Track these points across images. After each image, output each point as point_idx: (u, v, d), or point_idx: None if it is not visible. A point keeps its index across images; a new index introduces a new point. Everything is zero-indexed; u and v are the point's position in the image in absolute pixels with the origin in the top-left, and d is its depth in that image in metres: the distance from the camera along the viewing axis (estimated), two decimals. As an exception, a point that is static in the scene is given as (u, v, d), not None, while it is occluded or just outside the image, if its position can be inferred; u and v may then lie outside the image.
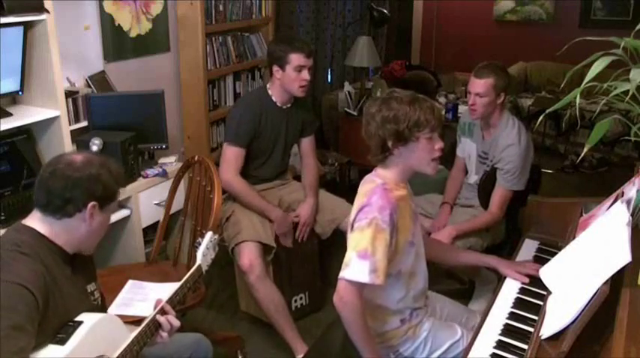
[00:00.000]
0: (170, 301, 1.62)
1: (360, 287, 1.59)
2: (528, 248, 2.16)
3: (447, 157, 2.92)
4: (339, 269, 1.62)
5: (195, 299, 2.20)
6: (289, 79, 2.57)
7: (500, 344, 1.60)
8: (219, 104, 3.84)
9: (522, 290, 1.86)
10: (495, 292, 1.89)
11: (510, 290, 1.87)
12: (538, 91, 5.67)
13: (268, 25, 4.14)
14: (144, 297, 2.17)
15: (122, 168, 1.61)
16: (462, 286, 3.01)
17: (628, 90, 1.39)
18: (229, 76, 3.88)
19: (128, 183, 2.72)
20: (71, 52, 2.83)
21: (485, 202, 2.68)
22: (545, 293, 1.73)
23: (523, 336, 1.62)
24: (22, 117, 2.41)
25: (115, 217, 2.62)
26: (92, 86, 2.92)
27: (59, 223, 1.46)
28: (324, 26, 4.79)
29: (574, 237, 1.83)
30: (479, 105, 2.54)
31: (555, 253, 1.86)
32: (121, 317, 1.59)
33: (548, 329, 1.49)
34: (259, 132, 2.64)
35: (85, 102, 2.77)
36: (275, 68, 2.58)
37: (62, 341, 1.37)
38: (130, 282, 2.28)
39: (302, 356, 2.40)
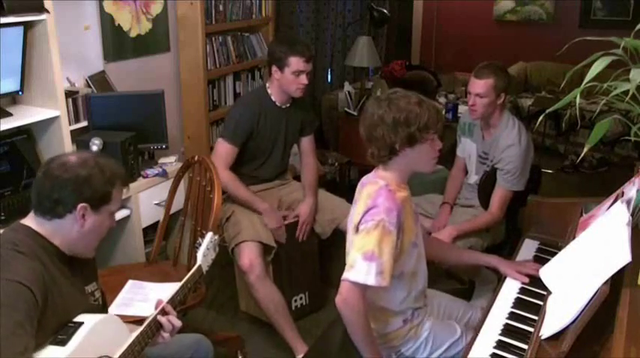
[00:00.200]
0: (171, 302, 1.62)
1: (363, 288, 1.59)
2: (528, 248, 2.16)
3: (447, 157, 2.92)
4: (339, 269, 1.62)
5: (196, 300, 2.20)
6: (287, 80, 2.56)
7: (500, 344, 1.60)
8: (219, 104, 3.84)
9: (522, 290, 1.86)
10: (495, 292, 1.89)
11: (510, 290, 1.87)
12: (538, 91, 5.67)
13: (268, 25, 4.14)
14: (144, 297, 2.17)
15: (122, 169, 1.58)
16: (462, 286, 3.00)
17: (628, 90, 1.39)
18: (229, 76, 3.88)
19: (129, 183, 2.71)
20: (71, 52, 2.83)
21: (485, 202, 2.68)
22: (545, 293, 1.73)
23: (523, 336, 1.62)
24: (22, 117, 2.41)
25: (115, 217, 2.61)
26: (92, 86, 2.92)
27: (51, 224, 1.45)
28: (324, 26, 4.79)
29: (574, 237, 1.83)
30: (479, 105, 2.54)
31: (555, 253, 1.87)
32: (121, 317, 1.59)
33: (548, 329, 1.49)
34: (258, 132, 2.64)
35: (85, 102, 2.77)
36: (274, 68, 2.58)
37: (63, 342, 1.37)
38: (130, 282, 2.28)
39: (302, 356, 2.40)
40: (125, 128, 2.74)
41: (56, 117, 2.49)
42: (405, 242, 1.67)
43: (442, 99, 4.83)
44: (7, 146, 2.46)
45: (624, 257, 1.42)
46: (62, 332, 1.40)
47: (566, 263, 1.74)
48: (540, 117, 2.09)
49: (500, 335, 1.64)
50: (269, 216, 2.60)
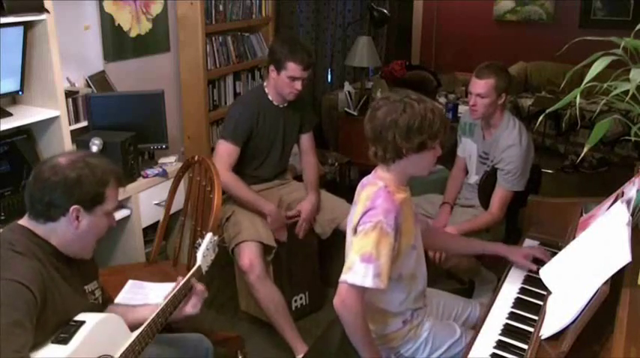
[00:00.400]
0: (170, 303, 1.62)
1: (361, 290, 1.58)
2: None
3: (447, 157, 2.92)
4: (339, 269, 1.62)
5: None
6: (282, 83, 2.56)
7: (500, 344, 1.60)
8: (219, 104, 3.84)
9: (522, 290, 1.86)
10: (495, 292, 1.89)
11: (510, 290, 1.87)
12: (538, 91, 5.68)
13: (268, 25, 4.14)
14: (144, 297, 2.17)
15: (116, 167, 1.55)
16: (462, 286, 3.01)
17: (628, 90, 1.39)
18: (229, 76, 3.88)
19: (128, 183, 2.71)
20: (71, 52, 2.83)
21: (485, 202, 2.68)
22: (545, 293, 1.73)
23: (523, 336, 1.62)
24: (22, 117, 2.41)
25: (115, 216, 2.61)
26: (92, 86, 2.92)
27: (46, 226, 1.45)
28: (324, 26, 4.79)
29: (574, 237, 1.83)
30: (480, 105, 2.54)
31: (555, 253, 1.87)
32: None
33: (548, 329, 1.49)
34: (257, 132, 2.64)
35: (85, 102, 2.77)
36: (271, 67, 2.58)
37: (65, 341, 1.37)
38: (130, 282, 2.27)
39: (302, 355, 2.40)
40: (125, 128, 2.74)
41: (56, 117, 2.49)
42: (403, 244, 1.67)
43: (442, 99, 4.83)
44: (7, 146, 2.46)
45: (624, 257, 1.43)
46: (64, 331, 1.40)
47: (566, 263, 1.74)
48: (540, 117, 2.09)
49: (500, 335, 1.64)
50: (273, 217, 2.59)
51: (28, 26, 2.38)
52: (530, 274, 1.94)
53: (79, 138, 2.64)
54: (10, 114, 2.40)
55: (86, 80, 2.94)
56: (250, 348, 2.56)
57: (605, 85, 1.50)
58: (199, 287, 1.72)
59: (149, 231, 2.91)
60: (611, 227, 1.60)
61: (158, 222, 2.74)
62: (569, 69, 1.71)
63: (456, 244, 2.19)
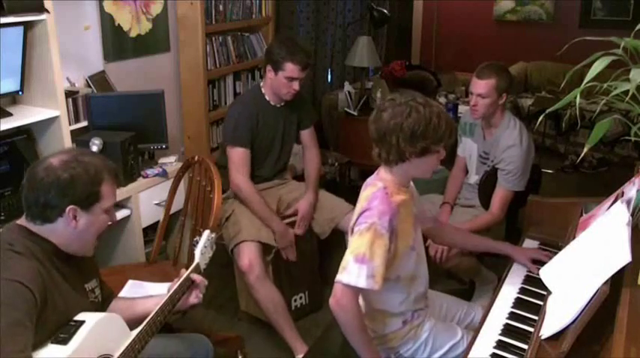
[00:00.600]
0: (170, 300, 1.62)
1: (356, 290, 1.58)
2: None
3: (447, 157, 2.91)
4: (338, 269, 1.62)
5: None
6: (279, 83, 2.56)
7: (500, 344, 1.60)
8: (219, 104, 3.84)
9: (522, 290, 1.86)
10: (495, 292, 1.89)
11: (510, 290, 1.87)
12: (538, 91, 5.68)
13: (268, 25, 4.14)
14: (144, 297, 2.17)
15: (110, 164, 1.54)
16: (462, 286, 3.01)
17: (628, 90, 1.39)
18: (229, 76, 3.89)
19: (128, 183, 2.72)
20: (71, 52, 2.83)
21: (485, 203, 2.68)
22: (545, 293, 1.73)
23: (523, 336, 1.62)
24: (22, 117, 2.41)
25: (114, 212, 2.62)
26: (92, 86, 2.92)
27: (45, 227, 1.45)
28: (324, 26, 4.79)
29: (574, 237, 1.83)
30: (481, 105, 2.54)
31: (555, 253, 1.87)
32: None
33: (548, 329, 1.49)
34: (256, 132, 2.64)
35: (85, 102, 2.77)
36: (268, 68, 2.57)
37: (65, 341, 1.37)
38: (130, 282, 2.28)
39: (302, 356, 2.40)
40: (125, 128, 2.74)
41: (56, 117, 2.49)
42: (399, 246, 1.66)
43: (442, 99, 4.83)
44: (7, 146, 2.46)
45: (624, 257, 1.43)
46: (63, 331, 1.40)
47: (566, 263, 1.74)
48: (540, 117, 2.09)
49: (501, 335, 1.64)
50: (281, 236, 2.58)
51: (28, 26, 2.38)
52: (530, 274, 1.95)
53: (79, 138, 2.64)
54: (10, 114, 2.40)
55: (86, 80, 2.94)
56: (250, 348, 2.56)
57: (605, 85, 1.50)
58: (198, 279, 1.72)
59: (149, 231, 2.91)
60: (611, 227, 1.60)
61: (158, 222, 2.74)
62: (569, 69, 1.71)
63: (464, 239, 2.19)
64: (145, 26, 3.31)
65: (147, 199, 2.84)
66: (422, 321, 1.82)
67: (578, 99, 1.47)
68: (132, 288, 2.24)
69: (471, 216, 2.69)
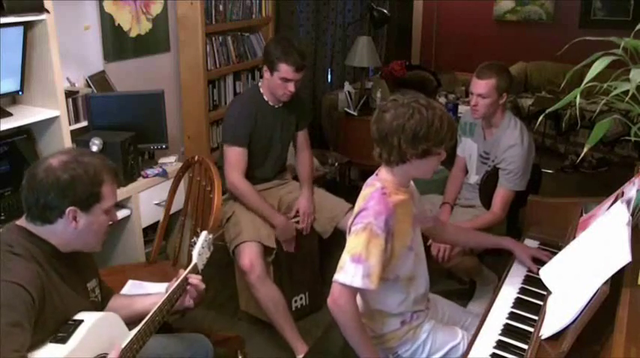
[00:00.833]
0: (168, 300, 1.62)
1: (353, 290, 1.59)
2: (528, 248, 2.16)
3: (447, 157, 2.92)
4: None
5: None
6: (275, 84, 2.55)
7: (500, 344, 1.60)
8: (219, 104, 3.84)
9: (522, 290, 1.86)
10: (495, 292, 1.89)
11: (510, 290, 1.87)
12: (538, 91, 5.68)
13: (268, 25, 4.14)
14: (143, 297, 2.17)
15: (110, 164, 1.53)
16: (462, 286, 3.01)
17: (628, 90, 1.39)
18: (229, 76, 3.88)
19: (128, 183, 2.72)
20: (71, 52, 2.83)
21: (486, 202, 2.68)
22: (545, 293, 1.73)
23: (523, 336, 1.62)
24: (22, 117, 2.41)
25: (115, 211, 2.62)
26: (92, 86, 2.92)
27: (45, 228, 1.45)
28: (324, 26, 4.79)
29: (574, 237, 1.83)
30: (481, 105, 2.54)
31: (555, 253, 1.87)
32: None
33: (548, 329, 1.49)
34: (256, 132, 2.64)
35: (85, 102, 2.77)
36: (265, 68, 2.58)
37: (63, 340, 1.38)
38: (130, 282, 2.28)
39: (302, 356, 2.41)
40: (125, 128, 2.74)
41: (56, 117, 2.49)
42: (396, 246, 1.66)
43: (442, 99, 4.83)
44: (7, 146, 2.46)
45: (624, 257, 1.43)
46: (62, 330, 1.40)
47: (566, 263, 1.74)
48: (540, 117, 2.09)
49: (500, 335, 1.64)
50: (283, 229, 2.59)
51: (28, 26, 2.38)
52: (530, 274, 1.95)
53: (79, 138, 2.64)
54: (10, 114, 2.40)
55: (86, 80, 2.94)
56: (250, 348, 2.56)
57: (605, 85, 1.50)
58: (194, 281, 1.71)
59: (149, 231, 2.91)
60: (611, 227, 1.60)
61: (158, 222, 2.74)
62: (569, 69, 1.71)
63: (466, 236, 2.19)
64: (145, 26, 3.31)
65: (147, 199, 2.84)
66: (421, 322, 1.81)
67: (578, 99, 1.47)
68: (132, 288, 2.25)
69: (471, 216, 2.69)
